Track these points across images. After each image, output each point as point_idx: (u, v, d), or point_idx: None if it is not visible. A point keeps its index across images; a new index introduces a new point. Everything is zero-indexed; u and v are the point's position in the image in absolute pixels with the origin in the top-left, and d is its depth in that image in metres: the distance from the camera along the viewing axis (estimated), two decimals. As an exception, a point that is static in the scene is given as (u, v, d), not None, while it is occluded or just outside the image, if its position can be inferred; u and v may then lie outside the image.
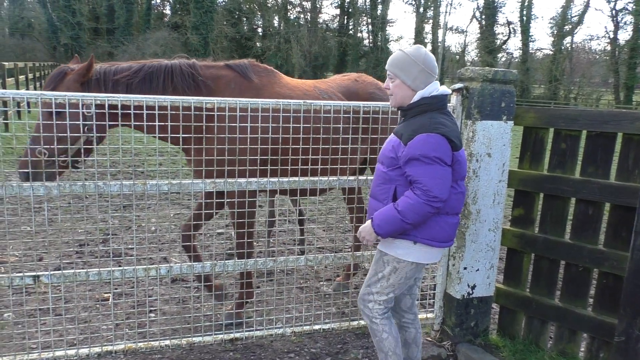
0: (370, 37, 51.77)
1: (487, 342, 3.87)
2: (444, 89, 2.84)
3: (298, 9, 53.17)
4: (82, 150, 3.37)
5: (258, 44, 51.20)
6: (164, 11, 54.68)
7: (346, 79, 4.62)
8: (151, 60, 3.87)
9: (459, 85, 3.66)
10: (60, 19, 43.43)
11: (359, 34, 53.14)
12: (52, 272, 3.05)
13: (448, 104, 3.70)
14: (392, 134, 2.88)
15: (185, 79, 3.74)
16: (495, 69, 3.61)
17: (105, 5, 47.16)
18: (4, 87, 9.48)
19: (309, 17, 52.97)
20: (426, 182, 2.61)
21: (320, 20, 53.28)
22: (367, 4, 51.62)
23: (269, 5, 52.62)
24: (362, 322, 3.96)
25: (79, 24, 43.79)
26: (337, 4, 53.09)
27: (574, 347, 3.57)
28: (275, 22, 52.65)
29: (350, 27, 53.11)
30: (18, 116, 13.97)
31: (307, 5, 52.29)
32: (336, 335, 4.01)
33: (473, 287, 3.79)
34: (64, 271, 3.08)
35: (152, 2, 51.65)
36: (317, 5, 52.90)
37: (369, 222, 2.82)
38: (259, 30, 53.45)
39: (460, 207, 2.88)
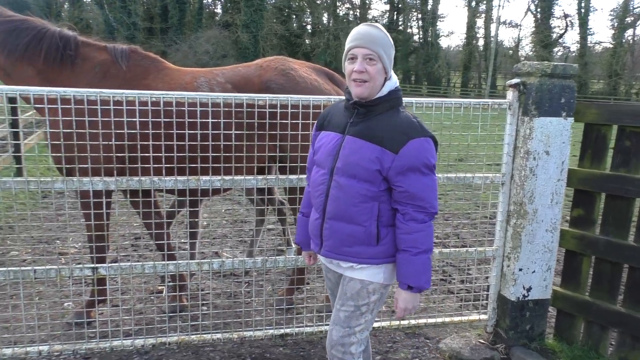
0: (420, 32, 51.09)
1: (543, 347, 3.74)
2: (396, 78, 2.42)
3: (347, 5, 53.13)
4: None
5: (307, 41, 51.48)
6: (215, 10, 55.74)
7: (253, 65, 4.05)
8: (33, 18, 3.76)
9: (515, 80, 3.54)
10: (116, 20, 44.87)
11: (409, 30, 52.59)
12: (109, 265, 3.15)
13: (504, 100, 3.61)
14: (349, 138, 2.30)
15: (51, 48, 3.61)
16: (555, 63, 3.47)
17: (160, 5, 48.44)
18: None
19: (358, 14, 52.82)
20: (427, 198, 2.23)
21: (370, 17, 53.00)
22: (417, -1, 51.04)
23: (318, 2, 52.78)
24: (413, 322, 3.91)
25: (134, 24, 45.13)
26: (386, 0, 52.67)
27: (638, 355, 3.41)
28: (325, 19, 52.77)
29: (400, 22, 52.62)
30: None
31: (357, 1, 52.15)
32: (386, 333, 3.98)
33: (529, 289, 3.67)
34: (120, 264, 3.17)
35: (204, 1, 52.69)
36: (367, 2, 52.69)
37: (406, 294, 2.29)
38: (308, 27, 53.72)
39: None
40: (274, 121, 3.51)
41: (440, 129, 4.09)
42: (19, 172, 7.73)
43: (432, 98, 3.66)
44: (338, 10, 52.26)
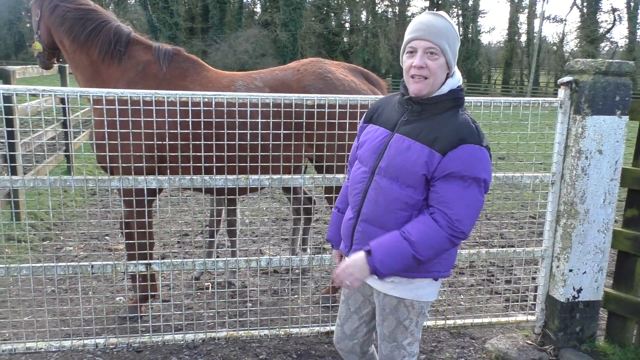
0: (461, 29, 50.32)
1: (594, 349, 3.66)
2: (460, 75, 2.19)
3: (386, 2, 52.75)
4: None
5: (345, 39, 51.38)
6: (255, 9, 56.26)
7: (290, 69, 4.05)
8: (102, 9, 3.96)
9: (567, 78, 3.47)
10: (159, 20, 45.77)
11: (449, 26, 51.84)
12: (162, 261, 3.24)
13: (555, 99, 3.55)
14: (398, 136, 2.11)
15: (105, 42, 3.76)
16: (610, 60, 3.38)
17: (200, 5, 49.19)
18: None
19: (397, 11, 52.42)
20: (458, 211, 1.97)
21: (409, 14, 52.52)
22: (457, -6, 50.28)
23: (356, 0, 52.62)
24: (459, 321, 3.88)
25: (176, 24, 45.95)
26: (426, -4, 52.11)
27: (695, 360, 3.30)
28: (363, 17, 52.56)
29: (439, 19, 51.91)
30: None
31: (396, -1, 51.72)
32: (430, 333, 3.96)
33: (579, 291, 3.60)
34: (172, 260, 3.26)
35: (244, 0, 53.26)
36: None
37: (360, 255, 2.05)
38: (347, 25, 53.61)
39: None
40: (322, 121, 3.51)
41: (489, 128, 4.03)
42: (68, 171, 8.01)
43: (481, 97, 3.61)
44: (377, 7, 51.97)
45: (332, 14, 53.18)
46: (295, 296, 4.44)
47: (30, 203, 6.33)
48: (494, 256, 3.73)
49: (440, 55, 2.03)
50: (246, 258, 3.43)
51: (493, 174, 3.54)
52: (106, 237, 5.82)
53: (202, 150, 3.22)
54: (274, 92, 3.80)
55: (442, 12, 2.09)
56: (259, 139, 3.37)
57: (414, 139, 2.05)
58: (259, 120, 3.26)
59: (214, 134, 3.31)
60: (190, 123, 3.24)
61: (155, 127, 3.21)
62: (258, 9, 55.54)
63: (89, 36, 3.78)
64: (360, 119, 3.32)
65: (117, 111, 3.00)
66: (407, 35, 2.08)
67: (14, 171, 5.45)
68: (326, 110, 3.39)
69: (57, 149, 8.25)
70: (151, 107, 3.09)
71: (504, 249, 3.78)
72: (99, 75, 3.81)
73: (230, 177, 3.22)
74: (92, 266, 3.08)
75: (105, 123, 3.09)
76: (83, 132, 9.35)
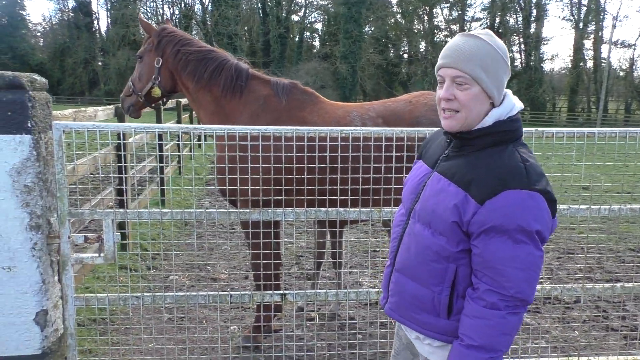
0: (523, 56, 49.58)
1: None
2: (520, 104, 1.85)
3: (445, 32, 52.74)
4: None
5: (404, 70, 51.62)
6: (313, 43, 57.61)
7: (402, 100, 4.12)
8: (218, 49, 4.20)
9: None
10: (223, 56, 47.60)
11: (510, 54, 51.15)
12: (296, 292, 3.32)
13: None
14: (436, 175, 1.85)
15: (227, 79, 3.99)
16: None
17: (262, 40, 50.89)
18: (180, 122, 10.64)
19: (456, 40, 52.24)
20: (513, 277, 1.64)
21: (468, 42, 52.20)
22: (519, 22, 49.65)
23: (415, 31, 52.93)
24: (592, 359, 3.74)
25: (239, 59, 47.60)
26: (486, 25, 51.74)
27: None
28: (422, 47, 52.71)
29: (500, 47, 51.33)
30: (199, 147, 15.50)
31: (455, 28, 51.66)
32: (551, 371, 3.85)
33: None
34: (306, 290, 3.34)
35: (304, 35, 54.63)
36: (465, 28, 52.02)
37: None
38: (405, 56, 53.89)
39: None
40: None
41: (591, 159, 3.92)
42: (162, 202, 8.36)
43: (583, 128, 3.50)
44: (436, 38, 52.06)
45: (391, 45, 53.67)
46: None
47: (133, 234, 6.65)
48: (602, 293, 3.58)
49: (472, 84, 1.73)
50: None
51: (588, 206, 3.41)
52: (207, 267, 6.02)
53: (338, 183, 3.35)
54: (387, 123, 3.93)
55: (480, 31, 1.80)
56: (382, 172, 3.45)
57: (450, 179, 1.77)
58: (389, 153, 3.37)
59: (342, 167, 3.43)
60: (327, 157, 3.38)
61: (294, 161, 3.39)
62: (317, 43, 56.88)
63: (212, 75, 4.03)
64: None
65: (260, 146, 3.16)
66: (437, 62, 1.85)
67: (122, 203, 5.76)
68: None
69: (151, 182, 8.66)
70: (292, 143, 3.27)
71: (612, 285, 3.62)
72: (221, 109, 4.05)
73: (364, 209, 3.30)
74: (231, 295, 3.21)
75: (249, 158, 3.24)
76: (170, 165, 9.77)
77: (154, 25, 4.33)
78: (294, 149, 3.30)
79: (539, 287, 3.58)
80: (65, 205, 3.00)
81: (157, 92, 4.25)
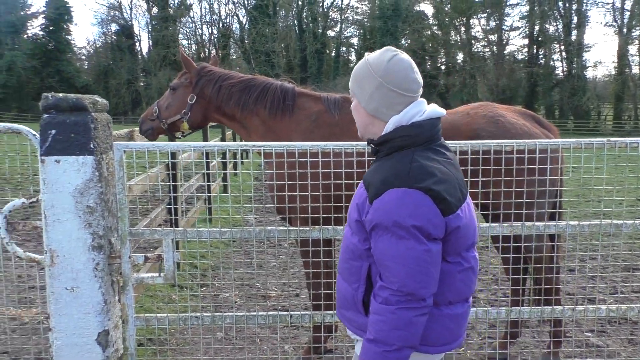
0: (564, 64, 48.53)
1: None
2: (434, 110, 1.92)
3: (483, 43, 52.23)
4: None
5: (442, 82, 51.21)
6: (349, 57, 57.83)
7: (459, 112, 3.98)
8: (259, 76, 4.23)
9: None
10: (261, 72, 48.03)
11: (551, 63, 50.17)
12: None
13: None
14: (361, 181, 1.98)
15: (274, 101, 3.98)
16: None
17: (299, 57, 51.48)
18: (224, 140, 10.75)
19: (495, 50, 51.63)
20: (396, 271, 1.71)
21: (506, 52, 51.56)
22: (559, 30, 48.66)
23: (452, 42, 52.54)
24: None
25: (277, 75, 47.98)
26: (525, 34, 50.98)
27: None
28: (459, 59, 52.26)
29: (540, 56, 50.46)
30: (242, 164, 15.65)
31: (493, 37, 51.08)
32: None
33: None
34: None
35: (340, 49, 54.94)
36: (503, 38, 51.39)
37: None
38: (443, 67, 53.52)
39: (471, 290, 1.92)
40: (498, 167, 3.40)
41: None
42: (208, 220, 8.42)
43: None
44: (473, 48, 51.56)
45: (428, 57, 53.40)
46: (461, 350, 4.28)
47: (182, 253, 6.70)
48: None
49: (353, 97, 1.99)
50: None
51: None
52: (256, 284, 5.99)
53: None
54: (444, 135, 3.77)
55: (368, 53, 1.98)
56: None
57: (363, 182, 1.93)
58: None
59: None
60: None
61: (355, 178, 3.30)
62: (353, 57, 57.07)
63: (257, 100, 4.04)
64: (538, 164, 3.23)
65: (320, 163, 3.12)
66: None
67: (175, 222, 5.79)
68: (503, 157, 3.30)
69: (198, 199, 8.74)
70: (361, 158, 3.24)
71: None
72: (271, 130, 4.02)
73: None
74: (291, 316, 3.15)
75: (309, 175, 3.19)
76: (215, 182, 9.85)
77: (193, 61, 4.32)
78: (354, 165, 3.23)
79: (603, 307, 3.40)
80: (126, 225, 3.01)
81: (185, 126, 4.26)
